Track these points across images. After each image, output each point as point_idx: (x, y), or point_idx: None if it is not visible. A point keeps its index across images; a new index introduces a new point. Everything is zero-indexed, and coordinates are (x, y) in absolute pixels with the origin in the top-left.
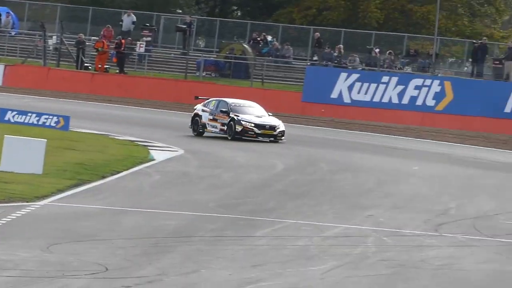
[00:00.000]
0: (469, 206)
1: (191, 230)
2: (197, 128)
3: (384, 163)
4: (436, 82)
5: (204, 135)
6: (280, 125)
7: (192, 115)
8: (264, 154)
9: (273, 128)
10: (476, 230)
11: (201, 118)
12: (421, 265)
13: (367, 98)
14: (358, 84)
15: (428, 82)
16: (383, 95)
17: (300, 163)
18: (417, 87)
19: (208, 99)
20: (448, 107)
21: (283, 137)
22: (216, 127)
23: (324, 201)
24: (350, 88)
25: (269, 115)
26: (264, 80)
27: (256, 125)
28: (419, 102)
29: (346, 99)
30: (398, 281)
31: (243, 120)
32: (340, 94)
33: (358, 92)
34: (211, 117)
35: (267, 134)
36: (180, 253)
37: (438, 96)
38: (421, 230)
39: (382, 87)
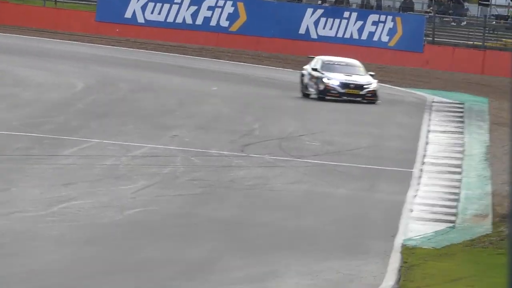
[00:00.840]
0: (272, 127)
1: None
2: (302, 89)
3: (183, 84)
4: (229, 3)
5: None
6: (371, 85)
7: (300, 75)
8: (63, 73)
9: (359, 87)
10: (283, 151)
11: (305, 79)
12: (232, 185)
13: (161, 18)
14: (151, 4)
15: (221, 3)
16: (176, 15)
17: (99, 82)
18: (210, 8)
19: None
20: (242, 28)
21: (374, 98)
22: (312, 87)
23: (127, 121)
24: (143, 8)
25: (370, 74)
26: (57, 0)
27: (340, 84)
28: (213, 22)
29: (140, 19)
30: (210, 200)
31: (326, 78)
32: (134, 14)
33: (152, 12)
34: (309, 77)
35: (352, 94)
36: None
37: (232, 17)
38: (228, 151)
39: (175, 7)
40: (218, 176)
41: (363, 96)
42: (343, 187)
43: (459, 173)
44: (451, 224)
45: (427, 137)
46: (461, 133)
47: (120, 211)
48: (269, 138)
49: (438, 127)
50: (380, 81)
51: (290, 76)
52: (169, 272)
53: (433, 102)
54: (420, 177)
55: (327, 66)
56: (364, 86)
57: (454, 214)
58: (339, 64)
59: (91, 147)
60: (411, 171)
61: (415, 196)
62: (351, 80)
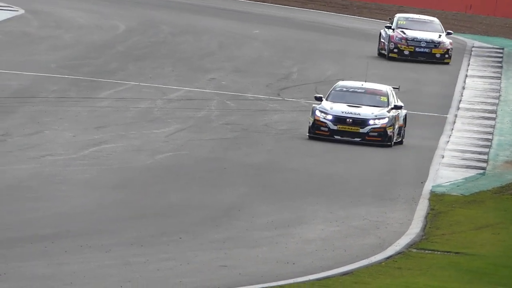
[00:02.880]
0: (311, 71)
1: (34, 91)
2: None
3: (225, 26)
4: None
5: None
6: (381, 120)
7: None
8: (106, 15)
9: (360, 123)
10: (318, 95)
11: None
12: (265, 129)
13: None
14: None
15: None
16: None
17: (141, 24)
18: None
19: None
20: None
21: (382, 138)
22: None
23: (166, 64)
24: None
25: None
26: None
27: (333, 118)
28: None
29: None
30: (242, 145)
31: (319, 110)
32: None
33: None
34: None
35: (348, 132)
36: (23, 114)
37: None
38: (264, 94)
39: None
40: (252, 120)
41: (363, 135)
42: None
43: (493, 118)
44: (481, 171)
45: (464, 82)
46: (499, 78)
47: (152, 155)
48: (306, 82)
49: (476, 72)
50: None
51: (334, 19)
52: (195, 217)
53: (473, 47)
54: (454, 122)
55: (335, 94)
56: (370, 122)
57: (485, 161)
58: (355, 92)
59: (127, 90)
60: (446, 117)
61: (448, 142)
62: (352, 113)
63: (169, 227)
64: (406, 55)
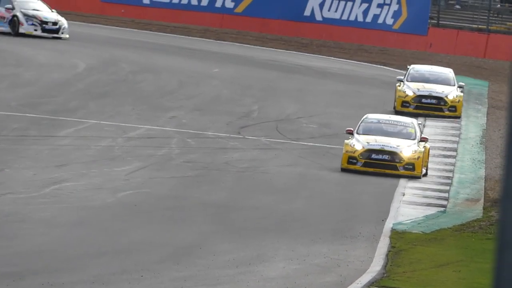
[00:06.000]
0: (271, 109)
1: None
2: None
3: (185, 65)
4: None
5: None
6: None
7: None
8: (66, 54)
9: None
10: (279, 133)
11: None
12: (226, 167)
13: None
14: None
15: None
16: None
17: (102, 63)
18: None
19: None
20: (248, 9)
21: None
22: None
23: (126, 102)
24: None
25: None
26: None
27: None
28: (218, 4)
29: (146, 0)
30: (203, 182)
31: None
32: None
33: None
34: None
35: None
36: None
37: None
38: (224, 132)
39: None
40: (212, 158)
41: None
42: (337, 170)
43: (454, 156)
44: (442, 209)
45: (424, 120)
46: (459, 116)
47: (112, 193)
48: (266, 120)
49: None
50: (382, 63)
51: (293, 58)
52: (157, 255)
53: None
54: None
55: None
56: None
57: (446, 199)
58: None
59: (88, 128)
60: None
61: (408, 179)
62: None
63: (130, 265)
64: None
